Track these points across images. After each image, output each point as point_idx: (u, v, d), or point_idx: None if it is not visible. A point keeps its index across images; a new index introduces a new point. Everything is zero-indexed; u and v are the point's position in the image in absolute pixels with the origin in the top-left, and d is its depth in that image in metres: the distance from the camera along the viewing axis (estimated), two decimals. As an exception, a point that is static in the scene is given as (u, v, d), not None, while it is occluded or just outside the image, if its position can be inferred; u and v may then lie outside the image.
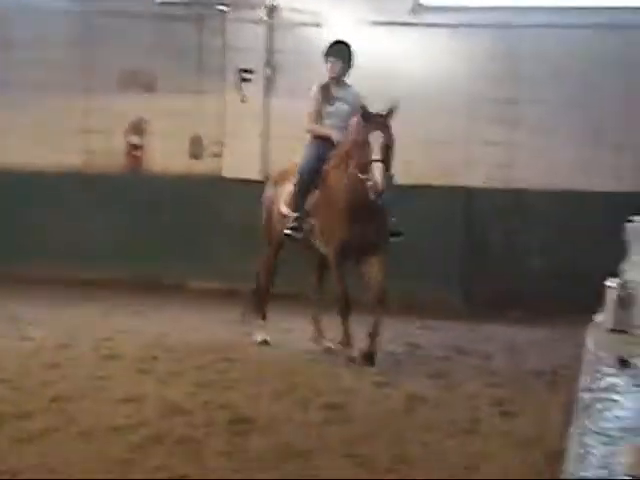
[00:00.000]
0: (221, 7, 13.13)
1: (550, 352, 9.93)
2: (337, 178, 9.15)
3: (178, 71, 13.28)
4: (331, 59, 9.59)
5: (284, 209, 9.70)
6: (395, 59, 12.68)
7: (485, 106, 12.73)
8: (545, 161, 12.53)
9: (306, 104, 12.78)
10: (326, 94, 9.54)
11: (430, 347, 8.83)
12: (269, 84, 13.14)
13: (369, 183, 8.57)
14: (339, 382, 8.28)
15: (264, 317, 10.07)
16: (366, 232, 8.97)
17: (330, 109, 9.51)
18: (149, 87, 13.45)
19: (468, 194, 12.52)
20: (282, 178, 10.06)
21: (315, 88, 9.57)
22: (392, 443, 6.57)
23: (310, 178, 9.43)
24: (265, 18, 13.05)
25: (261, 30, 13.10)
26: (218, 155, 13.34)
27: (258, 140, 13.16)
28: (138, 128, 13.53)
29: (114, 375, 8.20)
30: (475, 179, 12.69)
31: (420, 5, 13.00)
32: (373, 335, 8.94)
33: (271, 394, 7.77)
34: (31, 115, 13.41)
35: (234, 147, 13.21)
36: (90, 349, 9.20)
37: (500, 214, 12.56)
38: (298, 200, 9.51)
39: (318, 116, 9.58)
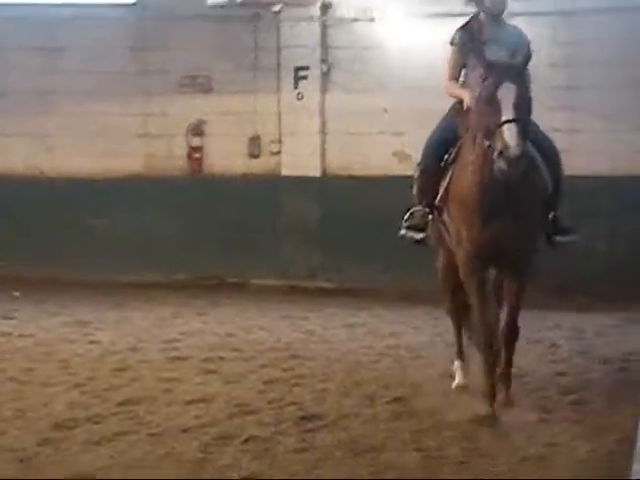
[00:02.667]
0: (275, 6, 13.13)
1: (618, 339, 9.83)
2: (467, 157, 6.96)
3: (234, 72, 13.31)
4: None
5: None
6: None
7: (546, 93, 12.58)
8: (608, 147, 12.37)
9: (361, 99, 12.94)
10: (474, 39, 7.19)
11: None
12: (325, 81, 13.13)
13: (496, 153, 6.42)
14: (405, 376, 8.26)
15: (461, 356, 7.80)
16: (505, 233, 6.82)
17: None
18: (206, 89, 13.51)
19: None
20: None
21: (456, 34, 7.34)
22: (461, 435, 6.55)
23: (437, 158, 7.28)
24: (319, 15, 13.05)
25: (315, 27, 13.09)
26: (277, 153, 13.36)
27: (316, 137, 13.16)
28: (197, 130, 13.60)
29: (182, 376, 8.25)
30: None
31: (475, -6, 12.90)
32: (505, 383, 7.08)
33: (338, 390, 7.78)
34: (91, 121, 13.53)
35: (292, 145, 13.22)
36: (157, 351, 9.27)
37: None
38: (420, 189, 7.41)
39: (460, 70, 7.37)
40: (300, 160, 13.19)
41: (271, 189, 13.17)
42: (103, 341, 9.73)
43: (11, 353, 9.19)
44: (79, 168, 13.51)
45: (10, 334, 10.05)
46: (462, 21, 7.49)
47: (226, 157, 13.42)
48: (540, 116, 12.33)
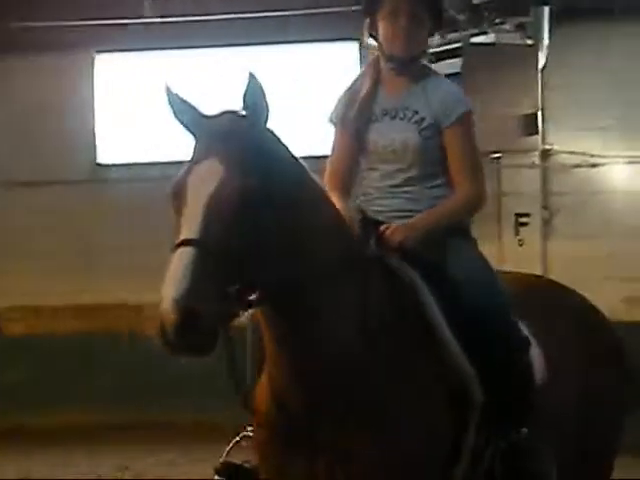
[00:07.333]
0: (495, 154, 12.23)
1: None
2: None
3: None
4: (386, 9, 4.15)
5: None
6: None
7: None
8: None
9: (585, 245, 12.79)
10: (365, 101, 4.22)
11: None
12: (546, 227, 12.83)
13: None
14: None
15: None
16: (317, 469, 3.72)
17: (374, 135, 4.20)
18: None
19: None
20: None
21: (337, 102, 4.29)
22: None
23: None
24: (538, 162, 12.52)
25: (536, 174, 12.49)
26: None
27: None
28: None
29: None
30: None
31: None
32: None
33: None
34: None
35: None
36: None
37: None
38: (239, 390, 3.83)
39: (352, 159, 4.31)
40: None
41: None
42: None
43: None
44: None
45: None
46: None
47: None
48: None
